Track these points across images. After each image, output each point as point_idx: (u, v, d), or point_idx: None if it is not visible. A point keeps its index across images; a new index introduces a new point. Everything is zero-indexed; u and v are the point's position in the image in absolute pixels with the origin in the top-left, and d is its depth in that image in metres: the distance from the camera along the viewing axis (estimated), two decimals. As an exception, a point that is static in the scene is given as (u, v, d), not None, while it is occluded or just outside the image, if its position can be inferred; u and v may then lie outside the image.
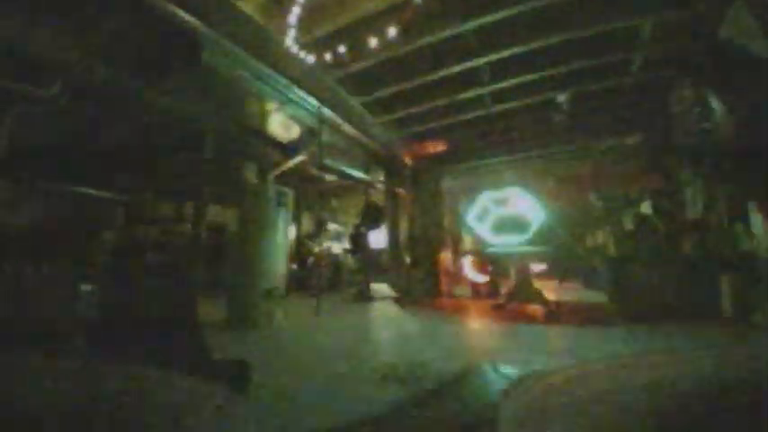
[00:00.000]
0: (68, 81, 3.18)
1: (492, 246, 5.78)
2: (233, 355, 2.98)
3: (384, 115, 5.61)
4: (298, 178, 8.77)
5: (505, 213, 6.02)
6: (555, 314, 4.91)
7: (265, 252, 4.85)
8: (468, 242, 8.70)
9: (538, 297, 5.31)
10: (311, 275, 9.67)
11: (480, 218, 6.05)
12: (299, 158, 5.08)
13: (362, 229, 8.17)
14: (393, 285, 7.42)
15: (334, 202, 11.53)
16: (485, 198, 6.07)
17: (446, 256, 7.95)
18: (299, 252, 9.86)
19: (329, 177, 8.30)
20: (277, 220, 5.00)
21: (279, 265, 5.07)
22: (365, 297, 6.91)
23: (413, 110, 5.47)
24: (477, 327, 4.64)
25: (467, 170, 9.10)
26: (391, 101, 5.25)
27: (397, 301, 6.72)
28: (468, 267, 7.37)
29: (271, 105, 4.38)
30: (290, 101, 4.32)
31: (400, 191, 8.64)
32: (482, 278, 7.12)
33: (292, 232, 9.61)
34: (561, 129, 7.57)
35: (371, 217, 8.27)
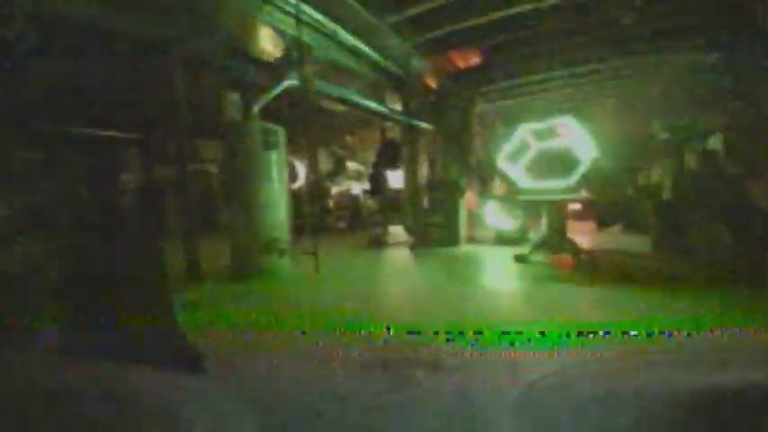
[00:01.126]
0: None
1: (525, 192, 4.81)
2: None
3: (393, 15, 4.25)
4: (303, 109, 7.86)
5: (550, 151, 4.86)
6: (588, 267, 4.15)
7: (261, 201, 4.29)
8: (498, 183, 7.68)
9: (570, 248, 4.51)
10: (327, 218, 9.39)
11: (515, 157, 4.95)
12: (288, 83, 4.15)
13: (380, 169, 7.56)
14: (409, 231, 6.86)
15: (348, 139, 10.57)
16: (524, 131, 4.88)
17: (471, 199, 7.12)
18: (315, 193, 9.39)
19: (340, 108, 7.32)
20: (269, 164, 4.29)
21: (278, 213, 4.52)
22: (379, 243, 6.50)
23: (431, 4, 4.06)
24: (488, 287, 4.03)
25: (503, 92, 7.55)
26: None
27: (412, 248, 6.22)
28: (493, 213, 6.54)
29: (243, 14, 3.39)
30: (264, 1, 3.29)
31: (420, 123, 7.51)
32: (508, 224, 6.32)
33: (302, 173, 9.02)
34: (629, 35, 5.80)
35: (389, 156, 7.70)
